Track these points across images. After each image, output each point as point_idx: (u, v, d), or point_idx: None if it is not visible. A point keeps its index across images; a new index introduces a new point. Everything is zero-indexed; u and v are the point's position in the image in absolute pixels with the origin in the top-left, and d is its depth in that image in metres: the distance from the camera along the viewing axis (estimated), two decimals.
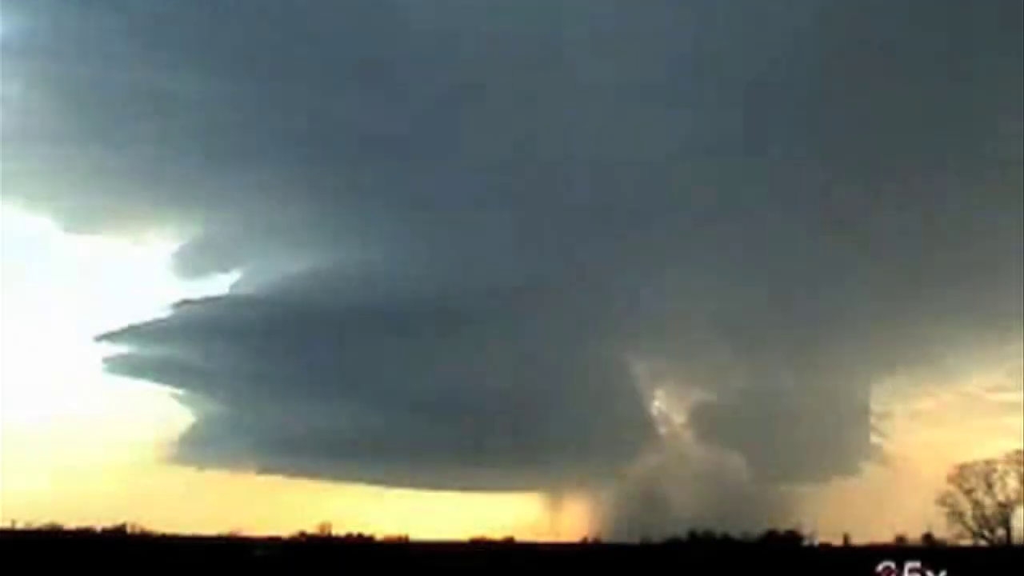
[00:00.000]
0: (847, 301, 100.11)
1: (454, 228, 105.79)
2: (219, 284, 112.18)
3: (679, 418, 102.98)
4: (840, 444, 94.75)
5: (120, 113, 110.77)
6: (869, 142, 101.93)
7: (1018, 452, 61.40)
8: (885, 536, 71.54)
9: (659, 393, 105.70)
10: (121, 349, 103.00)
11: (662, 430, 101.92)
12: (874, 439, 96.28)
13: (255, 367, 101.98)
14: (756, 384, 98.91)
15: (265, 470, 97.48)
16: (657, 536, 75.05)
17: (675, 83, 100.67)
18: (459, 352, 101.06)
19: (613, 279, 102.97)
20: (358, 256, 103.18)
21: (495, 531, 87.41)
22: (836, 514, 79.83)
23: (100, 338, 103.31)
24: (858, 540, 73.85)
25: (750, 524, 73.84)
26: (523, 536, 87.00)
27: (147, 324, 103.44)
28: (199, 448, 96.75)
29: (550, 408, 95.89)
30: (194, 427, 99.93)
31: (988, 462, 62.03)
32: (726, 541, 71.66)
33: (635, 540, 77.84)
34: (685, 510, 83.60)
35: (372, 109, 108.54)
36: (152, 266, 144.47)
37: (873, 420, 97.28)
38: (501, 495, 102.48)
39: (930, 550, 61.10)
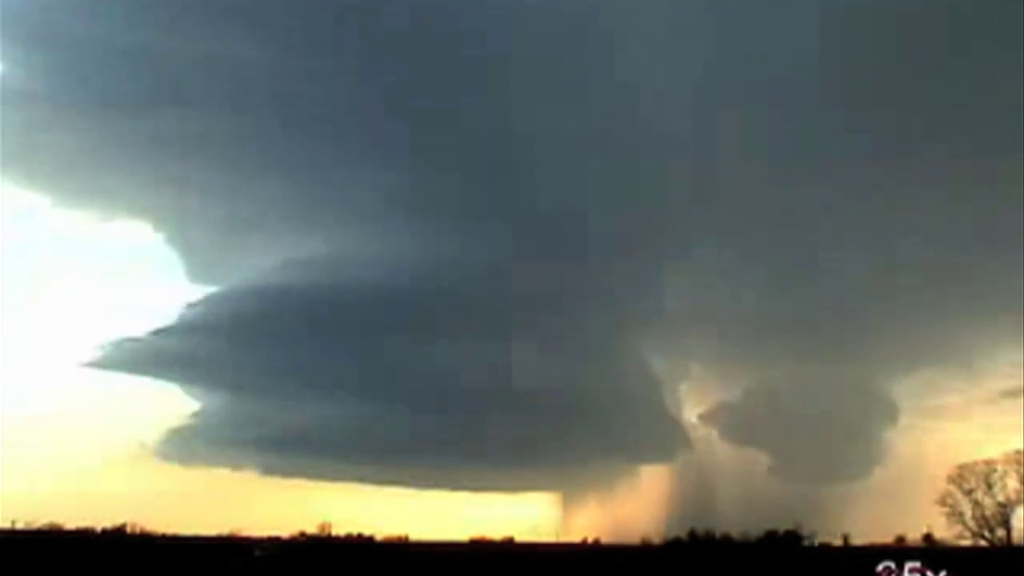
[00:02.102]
0: (869, 300, 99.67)
1: (464, 225, 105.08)
2: (221, 279, 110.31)
3: (700, 418, 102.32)
4: (863, 444, 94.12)
5: (120, 95, 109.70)
6: (886, 140, 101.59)
7: (1018, 452, 61.49)
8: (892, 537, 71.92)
9: (680, 393, 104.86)
10: (122, 346, 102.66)
11: (683, 430, 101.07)
12: (898, 438, 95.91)
13: (258, 365, 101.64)
14: (780, 384, 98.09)
15: (265, 470, 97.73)
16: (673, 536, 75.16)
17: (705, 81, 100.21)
18: (464, 351, 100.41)
19: (634, 277, 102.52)
20: (363, 254, 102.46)
21: (496, 532, 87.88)
22: (857, 514, 79.99)
23: (101, 334, 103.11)
24: (870, 540, 73.93)
25: (771, 524, 73.50)
26: (527, 537, 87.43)
27: (149, 319, 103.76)
28: (199, 448, 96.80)
29: (561, 408, 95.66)
30: (194, 427, 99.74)
31: (988, 462, 62.13)
32: (726, 541, 71.66)
33: (635, 541, 78.08)
34: (704, 510, 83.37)
35: (372, 107, 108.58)
36: (153, 259, 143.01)
37: (898, 419, 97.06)
38: (503, 495, 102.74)
39: (930, 550, 61.17)
